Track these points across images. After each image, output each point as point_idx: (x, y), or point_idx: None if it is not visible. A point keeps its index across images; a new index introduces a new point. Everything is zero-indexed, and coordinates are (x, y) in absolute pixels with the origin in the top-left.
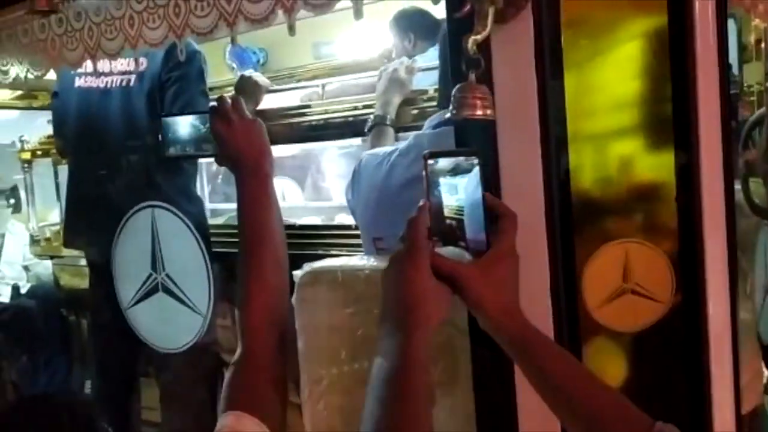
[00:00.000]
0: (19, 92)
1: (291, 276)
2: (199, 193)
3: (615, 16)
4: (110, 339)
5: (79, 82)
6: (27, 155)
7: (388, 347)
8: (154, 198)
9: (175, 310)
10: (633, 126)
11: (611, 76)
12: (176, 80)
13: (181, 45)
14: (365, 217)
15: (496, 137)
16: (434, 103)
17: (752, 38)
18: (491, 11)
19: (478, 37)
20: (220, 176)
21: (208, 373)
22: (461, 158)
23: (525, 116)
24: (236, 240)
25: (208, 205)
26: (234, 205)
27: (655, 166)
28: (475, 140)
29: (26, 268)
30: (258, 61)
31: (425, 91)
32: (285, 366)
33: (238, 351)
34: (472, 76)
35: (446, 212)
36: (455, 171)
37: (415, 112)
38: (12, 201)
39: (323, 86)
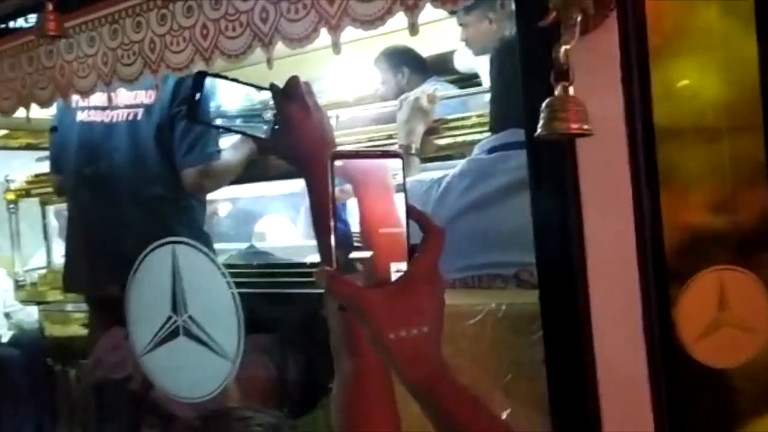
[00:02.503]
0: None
1: None
2: None
3: (706, 19)
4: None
5: (81, 116)
6: (12, 195)
7: None
8: (163, 237)
9: (198, 355)
10: (726, 144)
11: (704, 87)
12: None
13: (210, 68)
14: None
15: (576, 158)
16: (456, 132)
17: None
18: (579, 18)
19: (569, 46)
20: (216, 216)
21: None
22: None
23: (610, 134)
24: (240, 280)
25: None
26: (234, 245)
27: (750, 184)
28: (550, 162)
29: (7, 316)
30: None
31: (446, 120)
32: None
33: (347, 368)
34: (561, 89)
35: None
36: None
37: (438, 141)
38: None
39: (337, 117)
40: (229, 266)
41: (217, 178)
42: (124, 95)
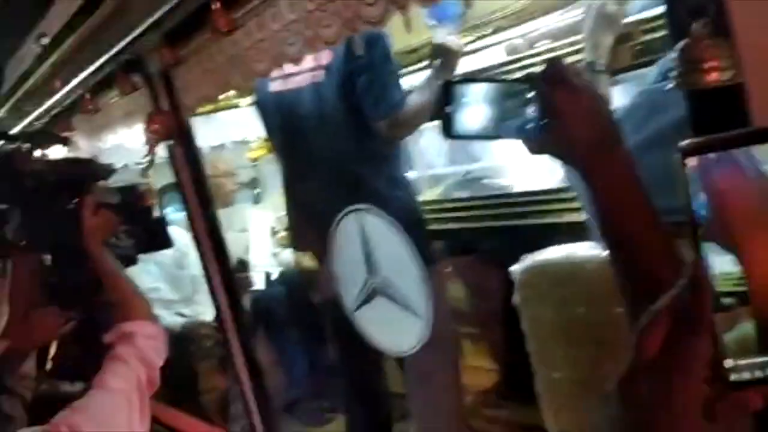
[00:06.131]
0: None
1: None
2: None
3: None
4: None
5: (273, 86)
6: (254, 153)
7: None
8: (362, 192)
9: (396, 314)
10: None
11: None
12: (365, 68)
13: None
14: None
15: (747, 107)
16: (657, 34)
17: None
18: None
19: None
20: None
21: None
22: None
23: None
24: (455, 215)
25: (429, 172)
26: (453, 169)
27: None
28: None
29: (275, 255)
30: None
31: (642, 21)
32: None
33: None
34: (698, 28)
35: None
36: None
37: (635, 49)
38: (255, 192)
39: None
40: (441, 201)
41: (406, 125)
42: (306, 59)
